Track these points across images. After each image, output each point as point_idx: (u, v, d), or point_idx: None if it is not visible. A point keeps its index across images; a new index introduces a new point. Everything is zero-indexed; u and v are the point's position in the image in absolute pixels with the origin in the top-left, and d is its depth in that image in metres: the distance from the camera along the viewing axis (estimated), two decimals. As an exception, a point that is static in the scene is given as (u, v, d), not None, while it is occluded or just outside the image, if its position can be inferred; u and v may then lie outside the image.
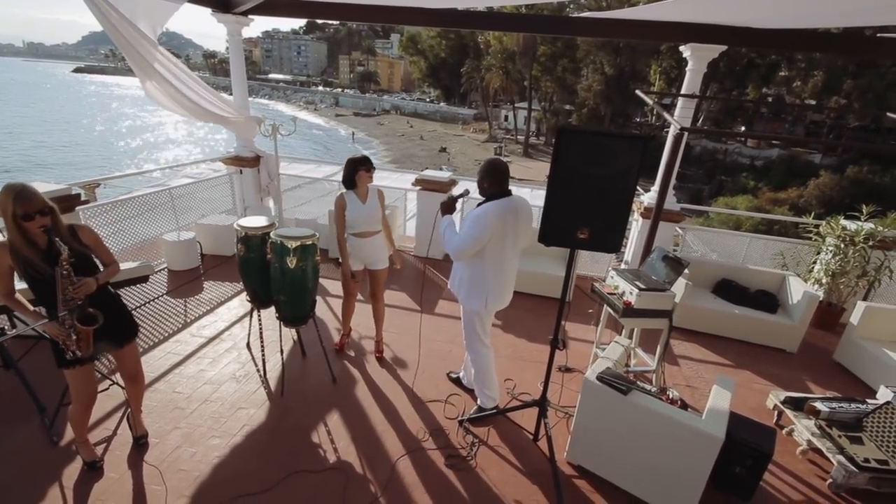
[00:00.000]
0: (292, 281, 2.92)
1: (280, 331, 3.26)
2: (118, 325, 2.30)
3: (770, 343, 4.31)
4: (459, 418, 2.99)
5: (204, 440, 2.71)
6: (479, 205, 2.57)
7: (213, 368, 3.37)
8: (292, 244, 2.83)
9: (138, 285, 3.95)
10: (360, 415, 3.02)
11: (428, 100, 67.16)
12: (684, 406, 2.74)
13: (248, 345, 3.63)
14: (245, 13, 5.36)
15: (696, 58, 4.76)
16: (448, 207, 2.66)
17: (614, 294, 3.15)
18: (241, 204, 6.06)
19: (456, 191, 2.87)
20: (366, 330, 3.94)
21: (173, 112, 4.47)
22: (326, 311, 4.33)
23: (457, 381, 3.37)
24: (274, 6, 5.31)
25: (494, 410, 2.98)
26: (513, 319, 4.25)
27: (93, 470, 2.46)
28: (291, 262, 2.85)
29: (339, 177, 8.56)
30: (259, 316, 3.32)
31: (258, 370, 3.37)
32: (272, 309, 3.22)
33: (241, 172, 5.94)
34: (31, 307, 2.09)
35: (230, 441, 2.72)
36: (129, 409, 2.71)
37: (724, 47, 4.67)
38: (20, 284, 2.17)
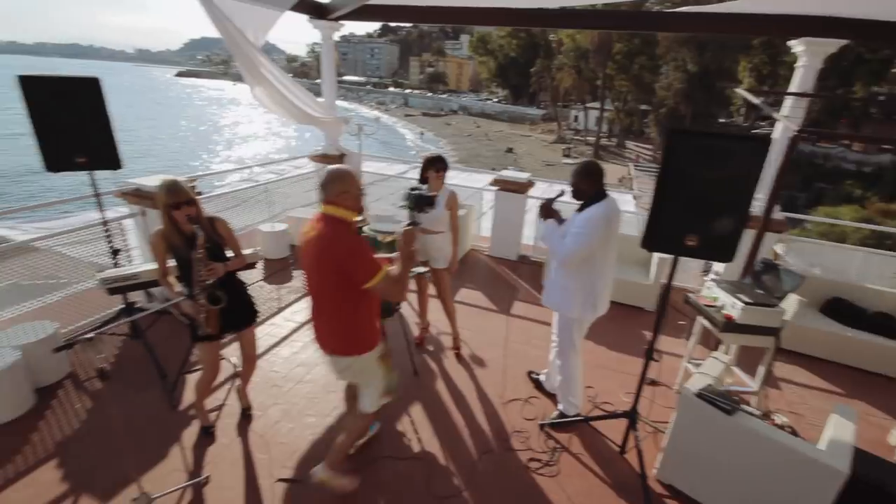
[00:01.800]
0: (384, 274, 3.04)
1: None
2: (242, 309, 2.54)
3: (890, 372, 3.83)
4: (541, 422, 2.97)
5: (301, 417, 2.91)
6: (580, 209, 2.53)
7: (305, 352, 3.60)
8: (385, 238, 2.95)
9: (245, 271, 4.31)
10: (441, 408, 3.09)
11: (495, 100, 66.91)
12: (793, 434, 2.52)
13: (335, 332, 3.84)
14: (337, 19, 5.66)
15: (810, 53, 4.33)
16: (547, 212, 2.62)
17: (713, 306, 2.96)
18: (326, 199, 6.40)
19: (535, 191, 2.83)
20: (444, 326, 4.01)
21: (275, 114, 4.83)
22: (405, 305, 4.45)
23: (537, 383, 3.34)
24: (364, 12, 5.55)
25: (578, 417, 2.92)
26: (592, 326, 4.11)
27: (206, 434, 2.73)
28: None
29: (410, 174, 8.73)
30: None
31: (345, 357, 3.55)
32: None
33: (327, 169, 6.27)
34: (177, 286, 2.37)
35: (323, 421, 2.90)
36: (237, 383, 2.98)
37: (844, 42, 4.21)
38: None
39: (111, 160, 2.89)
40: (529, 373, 3.44)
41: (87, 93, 2.75)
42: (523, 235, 5.82)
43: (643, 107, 40.33)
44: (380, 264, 1.92)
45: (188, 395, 3.05)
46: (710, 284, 3.10)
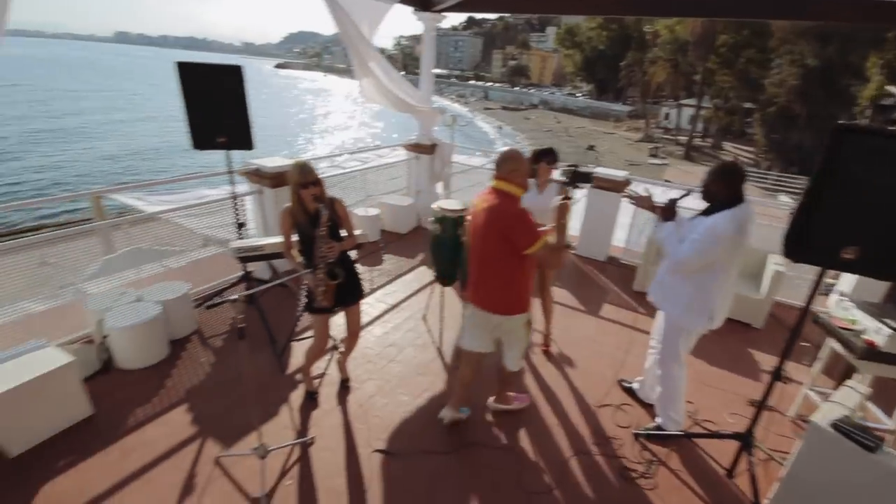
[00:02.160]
0: (483, 264, 3.06)
1: (442, 309, 3.46)
2: (351, 287, 2.69)
3: None
4: (635, 431, 2.84)
5: (394, 395, 3.04)
6: (705, 212, 2.35)
7: (396, 333, 3.74)
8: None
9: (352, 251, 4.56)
10: (530, 404, 3.06)
11: (579, 95, 64.50)
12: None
13: (424, 317, 3.95)
14: (441, 10, 5.73)
15: None
16: (668, 213, 2.47)
17: (849, 329, 2.63)
18: (414, 187, 6.57)
19: (632, 190, 2.71)
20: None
21: (379, 104, 5.03)
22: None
23: (629, 391, 3.20)
24: (466, 3, 5.58)
25: (679, 432, 2.75)
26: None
27: (311, 399, 2.94)
28: (485, 246, 2.99)
29: (491, 166, 8.64)
30: (442, 292, 3.58)
31: (433, 342, 3.64)
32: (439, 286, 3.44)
33: (417, 158, 6.43)
34: (298, 259, 2.57)
35: (414, 401, 3.00)
36: (336, 355, 3.18)
37: None
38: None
39: (245, 141, 3.19)
40: (620, 381, 3.30)
41: (230, 79, 3.05)
42: (614, 236, 5.58)
43: (747, 105, 36.70)
44: (541, 234, 2.19)
45: (293, 361, 3.30)
46: (847, 305, 2.76)
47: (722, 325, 2.53)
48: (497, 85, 77.02)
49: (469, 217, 2.46)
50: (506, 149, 2.31)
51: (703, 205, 2.45)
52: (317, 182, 2.39)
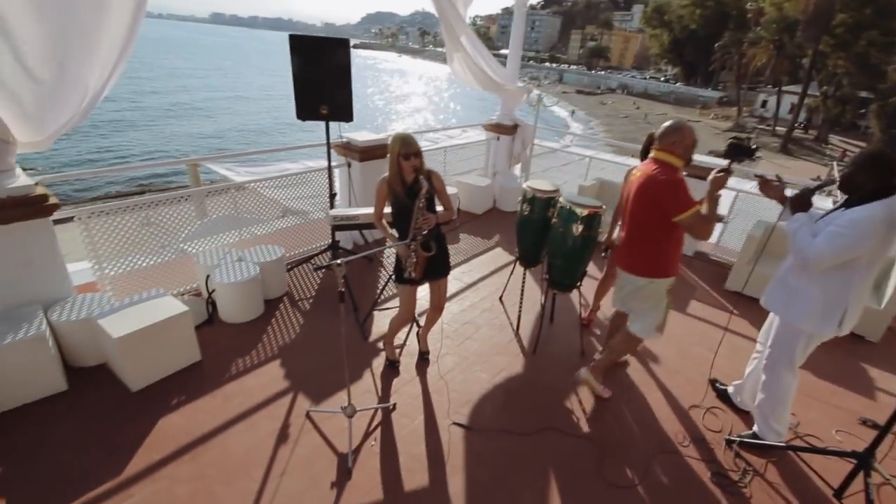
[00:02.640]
0: (573, 248, 2.96)
1: (522, 291, 3.39)
2: (441, 260, 2.71)
3: None
4: (729, 437, 2.65)
5: (471, 371, 3.07)
6: (846, 204, 2.09)
7: (473, 312, 3.75)
8: (582, 212, 2.85)
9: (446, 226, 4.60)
10: (611, 396, 2.96)
11: (662, 79, 60.22)
12: None
13: (500, 298, 3.93)
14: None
15: None
16: (800, 203, 2.22)
17: None
18: (492, 168, 6.50)
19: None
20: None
21: (467, 83, 4.99)
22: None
23: (723, 395, 2.99)
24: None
25: (780, 443, 2.54)
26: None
27: (392, 367, 3.04)
28: (577, 228, 2.89)
29: (573, 148, 8.36)
30: (524, 274, 3.53)
31: (511, 323, 3.62)
32: (519, 269, 3.44)
33: (498, 139, 6.33)
34: (389, 230, 2.63)
35: (492, 379, 3.01)
36: (416, 328, 3.25)
37: None
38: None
39: (346, 113, 3.28)
40: (713, 381, 3.08)
41: (337, 52, 3.13)
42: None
43: (863, 94, 32.29)
44: (693, 203, 2.27)
45: (375, 329, 3.43)
46: None
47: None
48: (573, 67, 73.82)
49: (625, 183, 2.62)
50: (672, 121, 2.43)
51: (826, 203, 2.19)
52: (418, 153, 2.41)
